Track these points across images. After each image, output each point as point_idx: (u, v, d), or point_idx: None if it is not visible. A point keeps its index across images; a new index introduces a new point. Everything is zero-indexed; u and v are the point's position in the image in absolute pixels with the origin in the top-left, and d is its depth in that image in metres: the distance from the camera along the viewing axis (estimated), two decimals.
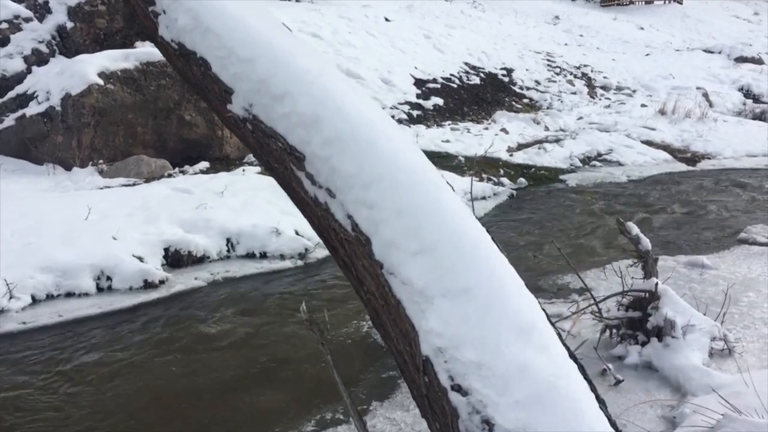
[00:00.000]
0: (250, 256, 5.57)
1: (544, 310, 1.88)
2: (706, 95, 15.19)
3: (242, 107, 2.05)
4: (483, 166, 9.19)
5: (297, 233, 5.83)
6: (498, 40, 18.65)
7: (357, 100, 1.97)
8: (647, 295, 3.54)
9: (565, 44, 21.91)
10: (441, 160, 9.38)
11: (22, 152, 7.25)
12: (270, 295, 4.92)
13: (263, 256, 5.58)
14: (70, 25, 8.08)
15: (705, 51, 20.71)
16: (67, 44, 8.07)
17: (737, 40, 22.22)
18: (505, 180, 8.73)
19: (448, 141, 10.36)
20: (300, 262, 5.58)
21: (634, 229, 3.72)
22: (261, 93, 1.98)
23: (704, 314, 4.04)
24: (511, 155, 10.08)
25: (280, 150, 1.96)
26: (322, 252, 5.74)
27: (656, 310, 3.48)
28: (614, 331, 3.74)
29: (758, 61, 18.28)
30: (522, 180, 8.86)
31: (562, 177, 9.24)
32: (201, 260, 5.39)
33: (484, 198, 7.94)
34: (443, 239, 1.70)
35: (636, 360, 3.47)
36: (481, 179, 8.55)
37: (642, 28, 27.06)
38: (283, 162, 1.98)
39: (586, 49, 21.41)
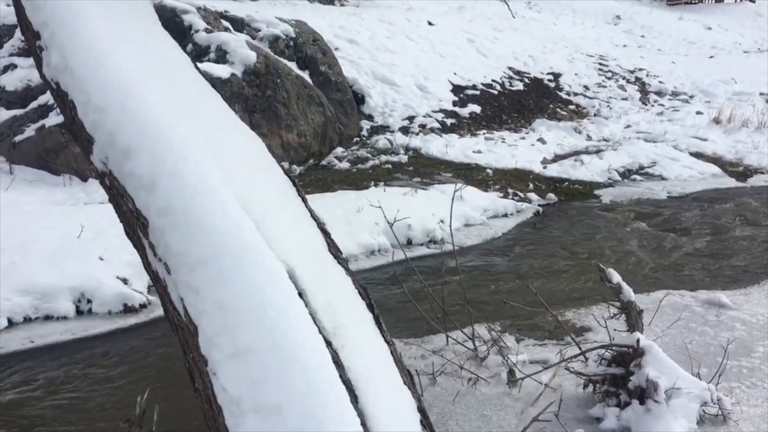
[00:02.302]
0: None
1: (421, 409, 1.60)
2: None
3: (100, 160, 1.86)
4: (511, 180, 8.79)
5: None
6: (548, 42, 18.02)
7: (206, 160, 1.73)
8: (631, 350, 3.16)
9: (624, 46, 21.02)
10: (468, 172, 9.04)
11: (42, 163, 7.36)
12: None
13: None
14: None
15: None
16: None
17: None
18: (532, 195, 8.30)
19: (479, 152, 9.98)
20: None
21: (615, 277, 3.34)
22: (113, 146, 1.78)
23: (711, 366, 3.62)
24: (545, 167, 9.61)
25: (130, 212, 1.75)
26: None
27: (639, 369, 3.10)
28: (597, 386, 3.37)
29: None
30: (551, 196, 8.41)
31: (597, 192, 8.73)
32: None
33: (505, 216, 7.56)
34: (260, 342, 1.44)
35: (613, 425, 3.10)
36: (506, 195, 8.16)
37: (709, 28, 25.70)
38: (132, 226, 1.77)
39: (646, 51, 20.47)
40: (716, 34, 24.87)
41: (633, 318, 3.33)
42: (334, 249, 1.97)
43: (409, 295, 3.93)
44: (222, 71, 8.01)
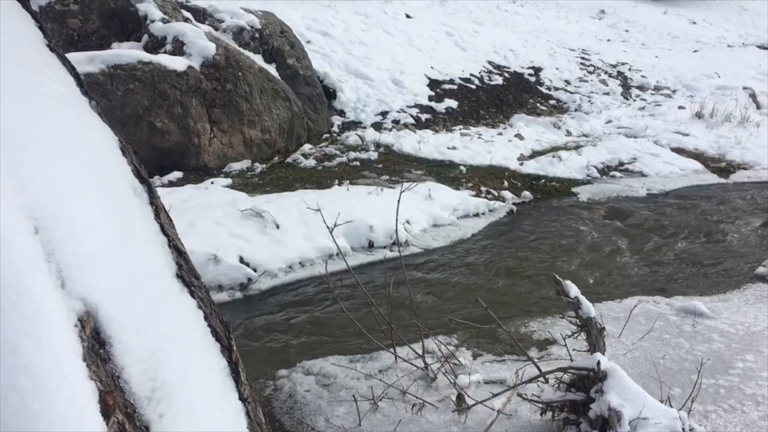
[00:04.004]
0: None
1: None
2: (753, 96, 13.92)
3: None
4: (485, 178, 8.40)
5: (241, 260, 5.23)
6: (530, 36, 17.65)
7: None
8: (591, 373, 2.77)
9: (608, 40, 20.68)
10: (441, 170, 8.63)
11: None
12: None
13: None
14: None
15: (759, 47, 19.21)
16: None
17: None
18: (507, 194, 7.92)
19: (454, 148, 9.58)
20: (239, 295, 4.96)
21: (573, 290, 2.95)
22: None
23: (685, 385, 3.25)
24: (521, 164, 9.23)
25: None
26: (266, 283, 5.13)
27: (600, 395, 2.72)
28: (555, 413, 2.99)
29: None
30: (527, 194, 8.04)
31: (574, 189, 8.36)
32: None
33: (477, 215, 7.17)
34: None
35: None
36: (479, 193, 7.77)
37: (694, 23, 25.46)
38: None
39: (630, 45, 20.15)
40: (701, 28, 24.64)
41: (593, 337, 2.94)
42: (187, 273, 1.56)
43: (345, 311, 3.52)
44: (178, 64, 7.55)
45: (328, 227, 3.49)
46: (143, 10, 8.17)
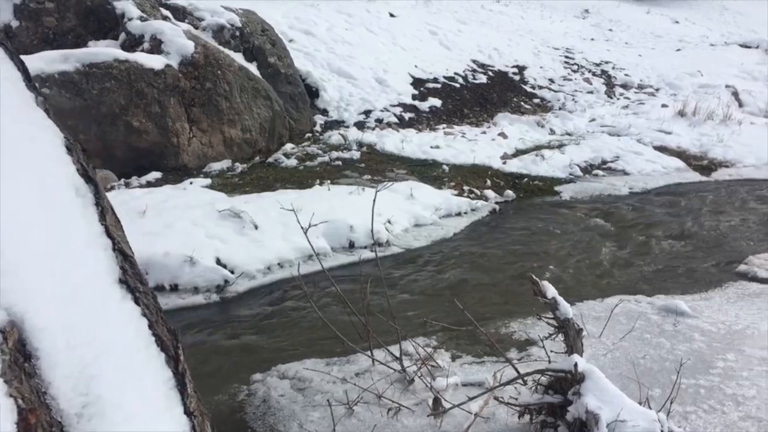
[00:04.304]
0: (159, 289, 4.88)
1: None
2: (735, 94, 14.00)
3: None
4: (468, 177, 8.35)
5: (218, 262, 5.13)
6: (515, 36, 17.65)
7: None
8: (569, 375, 2.72)
9: (592, 39, 20.72)
10: (424, 169, 8.58)
11: None
12: None
13: (174, 289, 4.89)
14: (15, 24, 7.55)
15: (741, 46, 19.32)
16: (13, 44, 7.52)
17: None
18: (489, 193, 7.87)
19: (437, 147, 9.52)
20: (215, 297, 4.86)
21: (551, 291, 2.90)
22: None
23: (665, 386, 3.20)
24: (504, 163, 9.19)
25: None
26: (243, 285, 5.03)
27: (578, 397, 2.66)
28: (533, 415, 2.93)
29: None
30: (509, 192, 7.99)
31: (557, 188, 8.33)
32: None
33: (459, 214, 7.11)
34: None
35: None
36: (461, 192, 7.72)
37: (677, 22, 25.62)
38: None
39: (613, 44, 20.20)
40: (683, 27, 24.79)
41: (571, 338, 2.89)
42: (132, 279, 1.47)
43: (319, 312, 3.44)
44: (155, 62, 7.43)
45: (302, 227, 3.41)
46: (121, 8, 8.03)
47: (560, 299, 2.89)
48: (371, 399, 3.20)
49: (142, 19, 8.04)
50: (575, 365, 2.64)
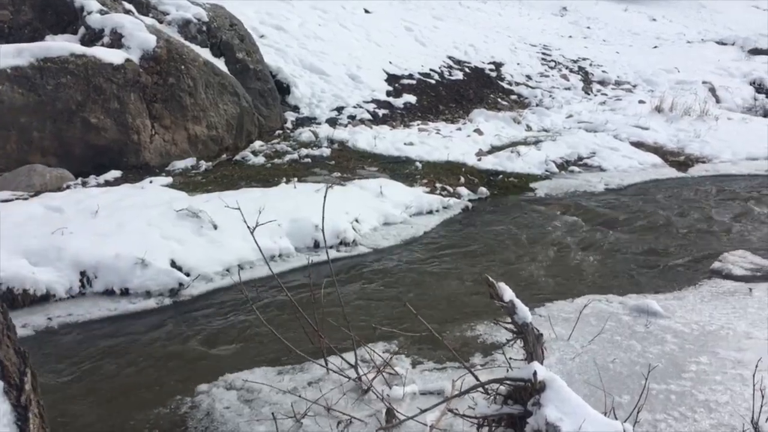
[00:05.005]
0: (108, 293, 4.62)
1: None
2: (712, 90, 13.98)
3: None
4: (441, 174, 8.16)
5: (173, 264, 4.87)
6: (491, 32, 17.50)
7: None
8: (528, 384, 2.52)
9: (570, 36, 20.67)
10: (396, 166, 8.37)
11: None
12: (95, 350, 3.95)
13: (125, 292, 4.63)
14: None
15: (718, 43, 19.36)
16: None
17: (756, 32, 20.79)
18: (462, 190, 7.67)
19: (411, 144, 9.31)
20: (168, 301, 4.61)
21: (508, 293, 2.69)
22: None
23: (634, 392, 3.02)
24: (479, 160, 9.00)
25: None
26: (200, 288, 4.79)
27: (538, 408, 2.46)
28: (492, 426, 2.72)
29: None
30: (483, 190, 7.80)
31: (533, 185, 8.16)
32: (45, 299, 4.45)
33: (430, 212, 6.92)
34: None
35: None
36: (433, 190, 7.52)
37: (654, 20, 25.70)
38: None
39: (591, 41, 20.15)
40: (661, 25, 24.86)
41: (530, 344, 2.69)
42: None
43: (261, 319, 3.21)
44: (114, 56, 7.13)
45: (248, 227, 3.18)
46: (79, 1, 7.72)
47: (518, 302, 2.69)
48: (322, 411, 2.98)
49: (102, 12, 7.74)
50: (534, 374, 2.44)
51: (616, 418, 2.56)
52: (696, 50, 18.53)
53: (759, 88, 14.70)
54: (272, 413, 2.88)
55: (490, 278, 2.74)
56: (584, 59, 16.52)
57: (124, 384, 3.45)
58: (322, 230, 3.51)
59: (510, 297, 2.69)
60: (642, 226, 6.47)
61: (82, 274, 4.63)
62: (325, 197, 3.24)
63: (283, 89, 10.25)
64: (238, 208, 3.31)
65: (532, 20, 22.09)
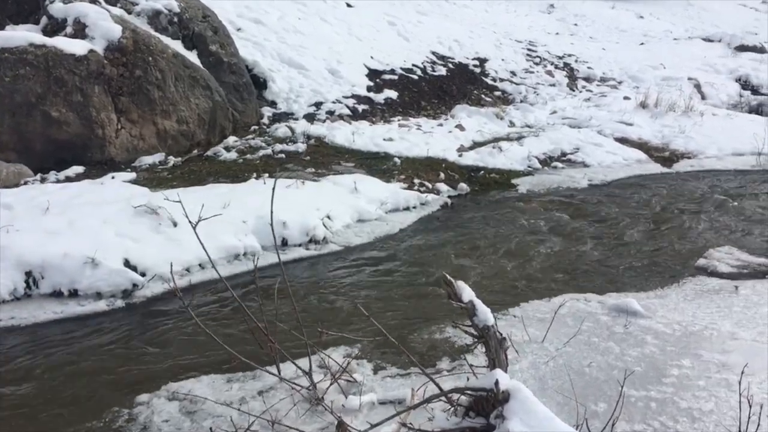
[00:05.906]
0: (56, 294, 4.32)
1: None
2: (698, 86, 13.80)
3: None
4: (420, 170, 7.90)
5: (127, 263, 4.58)
6: (476, 28, 17.27)
7: None
8: (490, 394, 2.26)
9: (557, 33, 20.46)
10: (374, 162, 8.10)
11: None
12: (41, 359, 3.67)
13: (73, 294, 4.33)
14: None
15: (704, 39, 19.24)
16: None
17: (742, 29, 20.69)
18: (442, 186, 7.42)
19: (390, 139, 9.03)
20: (120, 303, 4.32)
21: (467, 293, 2.44)
22: None
23: (611, 399, 2.77)
24: (460, 155, 8.74)
25: None
26: (156, 289, 4.50)
27: (501, 420, 2.21)
28: None
29: (760, 50, 16.77)
30: (463, 186, 7.55)
31: (514, 181, 7.92)
32: None
33: (407, 209, 6.67)
34: None
35: None
36: (411, 186, 7.26)
37: (641, 17, 25.60)
38: None
39: (578, 38, 19.96)
40: (648, 22, 24.74)
41: (492, 349, 2.43)
42: None
43: (201, 325, 2.92)
44: (77, 47, 6.82)
45: (190, 222, 2.90)
46: None
47: (479, 303, 2.43)
48: (267, 424, 2.71)
49: (65, 1, 7.42)
50: (496, 383, 2.18)
51: (590, 431, 2.31)
52: (682, 47, 18.40)
53: (745, 84, 14.56)
54: (210, 428, 2.60)
55: (448, 276, 2.48)
56: (570, 55, 16.34)
57: (57, 395, 3.16)
58: (271, 226, 3.23)
59: (469, 297, 2.43)
60: (625, 222, 6.25)
61: (28, 274, 4.34)
62: (273, 189, 2.97)
63: (260, 84, 9.95)
64: (179, 201, 3.03)
65: (519, 17, 21.89)
